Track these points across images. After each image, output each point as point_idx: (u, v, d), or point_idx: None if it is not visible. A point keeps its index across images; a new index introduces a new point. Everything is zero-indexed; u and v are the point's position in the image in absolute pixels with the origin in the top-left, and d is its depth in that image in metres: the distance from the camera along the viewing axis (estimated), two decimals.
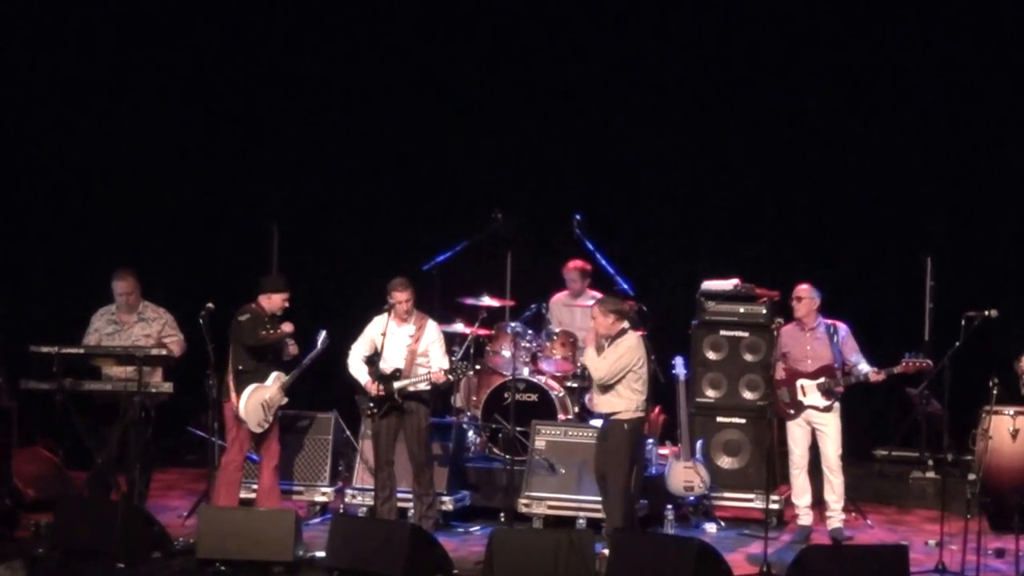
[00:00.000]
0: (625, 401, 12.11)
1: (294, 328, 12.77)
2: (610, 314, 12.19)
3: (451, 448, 13.56)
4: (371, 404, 12.83)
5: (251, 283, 12.96)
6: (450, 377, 13.04)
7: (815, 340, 12.98)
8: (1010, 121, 15.47)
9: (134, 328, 13.07)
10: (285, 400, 12.78)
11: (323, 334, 12.89)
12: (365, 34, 16.78)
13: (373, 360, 12.90)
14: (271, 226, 15.52)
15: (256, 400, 12.58)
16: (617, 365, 12.03)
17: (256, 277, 13.11)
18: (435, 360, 12.90)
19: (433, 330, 13.03)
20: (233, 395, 12.57)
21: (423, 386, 12.89)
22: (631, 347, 12.11)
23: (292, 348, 12.83)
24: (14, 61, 15.89)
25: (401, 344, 12.92)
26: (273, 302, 12.72)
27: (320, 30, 16.80)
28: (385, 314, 12.85)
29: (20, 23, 15.95)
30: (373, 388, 12.78)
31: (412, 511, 13.05)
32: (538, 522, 13.18)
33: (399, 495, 13.05)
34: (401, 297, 12.81)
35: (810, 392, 12.90)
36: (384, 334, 12.74)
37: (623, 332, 12.24)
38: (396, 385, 12.79)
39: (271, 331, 12.63)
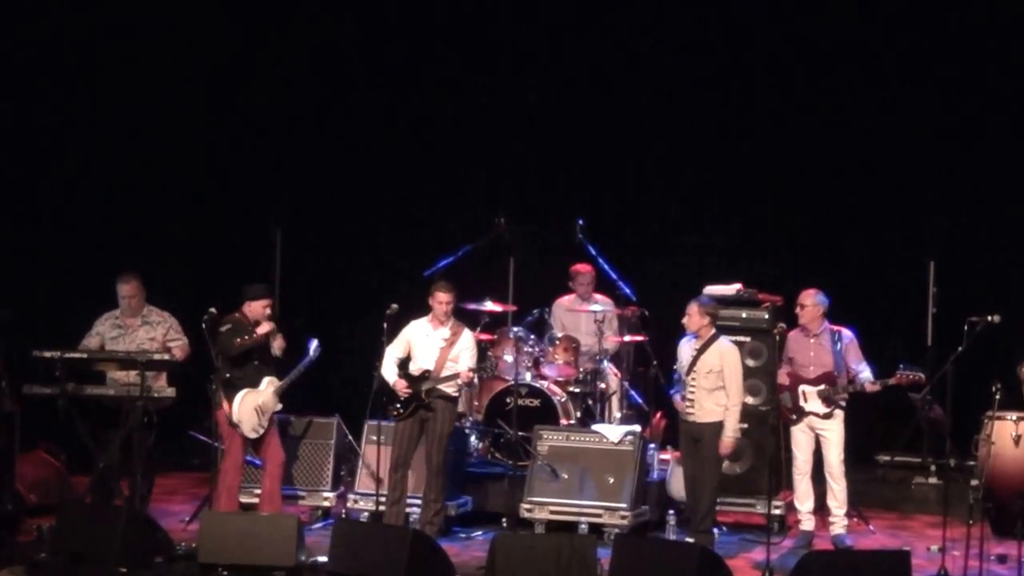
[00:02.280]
0: (722, 408, 12.54)
1: (273, 326, 12.72)
2: (706, 315, 12.63)
3: (454, 453, 13.55)
4: (398, 405, 12.87)
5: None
6: (474, 377, 13.14)
7: (818, 347, 12.94)
8: (1014, 125, 15.45)
9: (139, 332, 13.09)
10: (279, 406, 12.78)
11: (315, 343, 12.90)
12: (368, 38, 16.78)
13: (405, 363, 12.95)
14: (273, 230, 15.52)
15: (249, 405, 12.59)
16: (739, 380, 12.60)
17: (259, 281, 13.12)
18: (463, 367, 12.96)
19: (468, 338, 13.11)
20: (224, 403, 12.56)
21: (451, 390, 12.94)
22: (735, 357, 12.64)
23: (278, 344, 12.77)
24: (16, 66, 15.90)
25: (434, 346, 12.98)
26: (253, 310, 12.71)
27: (324, 34, 16.81)
28: (423, 318, 12.95)
29: (24, 26, 15.96)
30: (401, 388, 12.81)
31: (418, 516, 13.07)
32: (540, 527, 13.17)
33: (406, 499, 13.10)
34: (443, 299, 12.89)
35: (811, 398, 12.88)
36: (386, 338, 12.76)
37: (716, 336, 12.62)
38: (424, 386, 12.83)
39: (247, 337, 12.63)
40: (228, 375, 12.56)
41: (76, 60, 16.17)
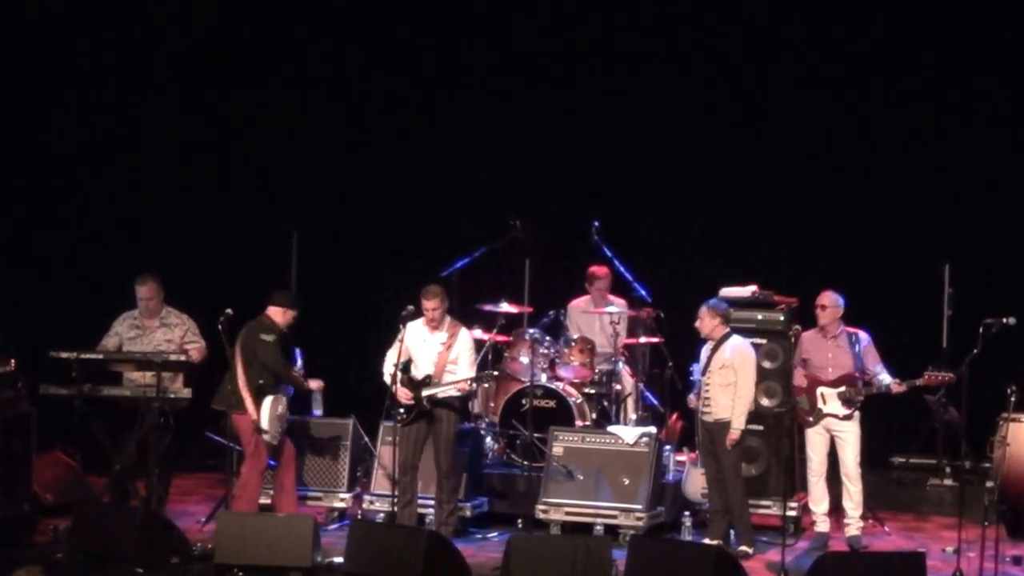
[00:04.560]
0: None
1: (322, 385, 13.07)
2: (716, 316, 12.77)
3: (469, 454, 13.58)
4: (400, 410, 12.87)
5: (269, 290, 12.99)
6: (474, 386, 13.12)
7: (836, 348, 12.94)
8: None
9: (156, 333, 13.11)
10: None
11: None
12: (383, 41, 16.80)
13: (406, 367, 12.95)
14: (290, 232, 15.55)
15: (274, 412, 12.57)
16: (749, 376, 12.72)
17: (275, 284, 13.15)
18: (462, 369, 12.95)
19: (465, 338, 13.08)
20: (251, 408, 12.49)
21: (452, 393, 12.94)
22: (747, 354, 12.78)
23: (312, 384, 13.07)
24: (32, 67, 15.94)
25: (432, 351, 12.97)
26: (287, 317, 12.73)
27: (339, 38, 16.83)
28: (419, 320, 12.93)
29: (40, 29, 16.01)
30: (403, 394, 12.82)
31: (432, 517, 13.10)
32: (556, 528, 13.19)
33: (420, 500, 13.11)
34: (429, 305, 12.87)
35: (830, 400, 12.88)
36: (401, 340, 12.78)
37: (728, 335, 12.76)
38: (425, 393, 12.84)
39: (295, 373, 12.77)
40: (262, 382, 12.55)
41: (93, 65, 16.22)
